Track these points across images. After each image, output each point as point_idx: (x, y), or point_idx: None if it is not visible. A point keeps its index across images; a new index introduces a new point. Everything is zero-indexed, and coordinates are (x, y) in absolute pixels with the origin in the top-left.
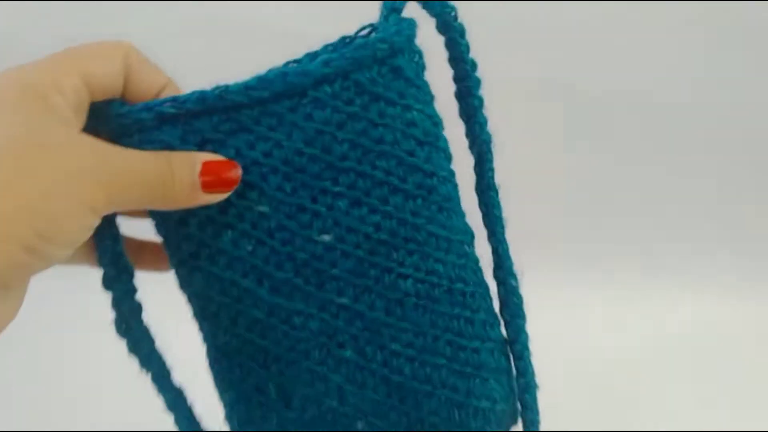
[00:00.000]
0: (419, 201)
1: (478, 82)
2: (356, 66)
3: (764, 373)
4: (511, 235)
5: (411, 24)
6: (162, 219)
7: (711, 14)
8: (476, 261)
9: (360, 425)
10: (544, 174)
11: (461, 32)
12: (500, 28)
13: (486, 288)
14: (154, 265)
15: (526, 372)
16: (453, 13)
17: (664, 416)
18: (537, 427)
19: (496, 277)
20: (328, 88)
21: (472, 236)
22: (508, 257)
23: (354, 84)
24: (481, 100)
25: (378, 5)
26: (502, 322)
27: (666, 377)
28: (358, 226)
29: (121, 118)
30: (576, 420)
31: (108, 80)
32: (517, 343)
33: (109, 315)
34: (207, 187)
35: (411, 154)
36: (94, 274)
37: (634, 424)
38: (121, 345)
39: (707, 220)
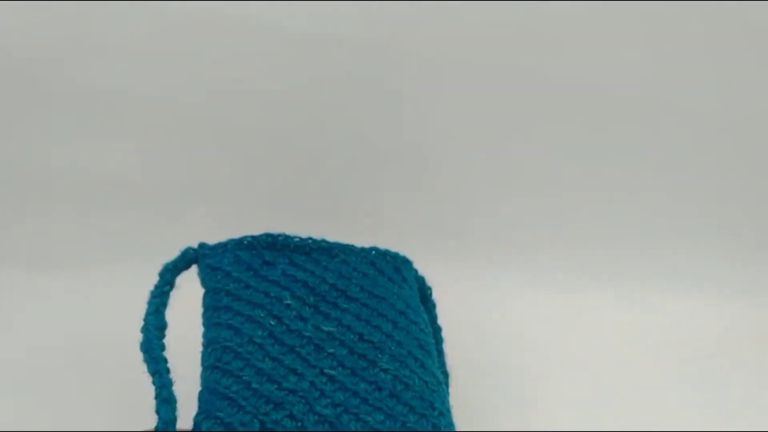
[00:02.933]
0: (403, 333)
1: (433, 306)
2: (375, 258)
3: (760, 374)
4: (510, 236)
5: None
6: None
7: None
8: (446, 396)
9: None
10: (539, 174)
11: (434, 306)
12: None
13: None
14: None
15: None
16: (429, 293)
17: (660, 417)
18: None
19: None
20: (353, 258)
21: (446, 377)
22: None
23: (371, 262)
24: (434, 306)
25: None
26: None
27: (660, 378)
28: (355, 327)
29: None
30: (574, 420)
31: None
32: None
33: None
34: None
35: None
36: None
37: (630, 424)
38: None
39: (704, 220)
